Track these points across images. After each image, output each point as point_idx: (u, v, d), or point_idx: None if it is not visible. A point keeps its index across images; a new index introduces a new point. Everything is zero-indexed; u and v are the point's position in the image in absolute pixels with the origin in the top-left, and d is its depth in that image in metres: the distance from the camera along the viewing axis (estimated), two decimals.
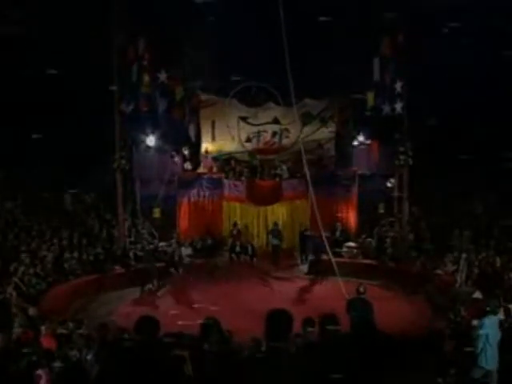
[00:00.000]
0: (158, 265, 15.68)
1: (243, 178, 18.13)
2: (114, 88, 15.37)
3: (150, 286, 14.70)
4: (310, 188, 14.27)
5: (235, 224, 17.45)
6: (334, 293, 13.53)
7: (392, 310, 12.29)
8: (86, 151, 16.19)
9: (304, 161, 13.78)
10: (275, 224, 17.48)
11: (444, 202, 17.39)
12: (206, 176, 17.94)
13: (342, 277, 13.17)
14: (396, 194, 16.88)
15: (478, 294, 10.76)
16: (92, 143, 15.90)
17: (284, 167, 18.29)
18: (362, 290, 9.26)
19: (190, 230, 17.62)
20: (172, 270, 15.58)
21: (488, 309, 7.25)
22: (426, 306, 12.67)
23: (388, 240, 16.42)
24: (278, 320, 3.51)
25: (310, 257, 15.93)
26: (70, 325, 9.04)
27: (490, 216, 16.44)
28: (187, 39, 16.10)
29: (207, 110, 18.01)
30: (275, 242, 17.11)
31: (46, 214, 16.88)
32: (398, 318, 11.13)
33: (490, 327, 7.09)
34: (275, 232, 17.23)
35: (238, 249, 16.63)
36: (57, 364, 6.14)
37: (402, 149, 16.22)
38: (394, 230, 16.79)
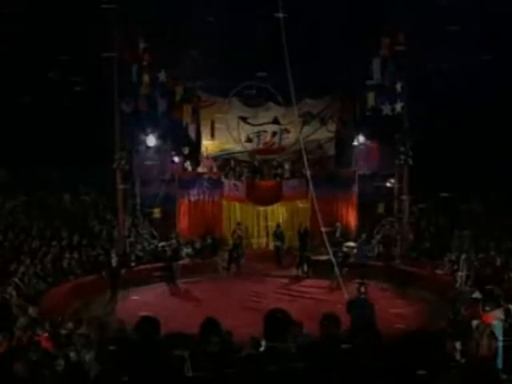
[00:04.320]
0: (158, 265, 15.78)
1: (243, 178, 18.13)
2: (114, 88, 15.39)
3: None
4: (311, 188, 14.26)
5: (239, 224, 17.46)
6: (333, 292, 13.57)
7: (392, 310, 12.29)
8: (86, 151, 16.21)
9: (305, 160, 13.78)
10: (278, 226, 17.52)
11: (444, 202, 17.39)
12: (206, 176, 17.93)
13: (341, 277, 13.19)
14: (396, 193, 16.89)
15: (477, 294, 10.75)
16: (92, 143, 15.91)
17: (286, 166, 18.29)
18: (362, 290, 9.27)
19: (190, 230, 17.61)
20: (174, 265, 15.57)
21: (486, 308, 7.25)
22: (426, 306, 12.68)
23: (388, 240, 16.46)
24: (276, 320, 3.51)
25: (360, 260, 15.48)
26: (70, 325, 9.04)
27: (490, 216, 16.44)
28: (187, 39, 16.09)
29: (207, 110, 17.99)
30: (278, 243, 17.16)
31: (46, 214, 16.88)
32: (398, 318, 11.12)
33: (497, 330, 7.10)
34: (278, 233, 17.28)
35: (240, 251, 16.63)
36: (57, 364, 6.14)
37: (402, 149, 16.23)
38: (394, 230, 16.80)
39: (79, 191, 18.78)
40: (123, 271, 14.31)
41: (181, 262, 16.24)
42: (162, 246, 16.71)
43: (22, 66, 16.01)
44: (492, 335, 7.07)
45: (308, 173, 13.92)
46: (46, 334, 8.35)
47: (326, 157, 18.45)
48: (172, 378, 3.69)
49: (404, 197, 16.38)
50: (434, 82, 15.47)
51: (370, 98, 16.74)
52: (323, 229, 13.28)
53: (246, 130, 18.33)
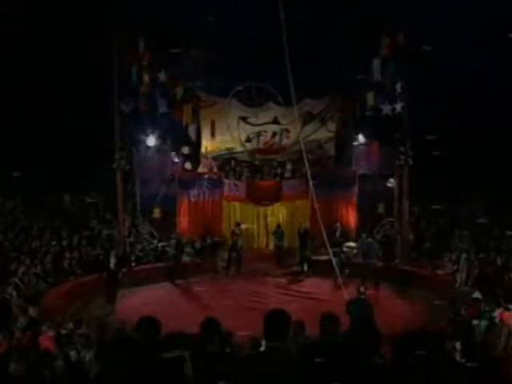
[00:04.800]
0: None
1: (243, 178, 18.14)
2: (113, 88, 15.41)
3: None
4: (311, 188, 14.25)
5: (238, 224, 17.44)
6: (333, 292, 13.57)
7: (392, 309, 12.30)
8: (86, 151, 16.20)
9: (305, 160, 13.77)
10: (278, 226, 17.53)
11: (444, 202, 17.38)
12: (206, 176, 17.93)
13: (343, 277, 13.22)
14: (396, 193, 16.89)
15: (477, 294, 10.76)
16: (92, 143, 15.90)
17: (287, 166, 18.31)
18: (362, 289, 9.26)
19: (190, 230, 17.61)
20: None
21: (486, 308, 7.26)
22: (426, 306, 12.67)
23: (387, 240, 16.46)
24: (276, 320, 3.51)
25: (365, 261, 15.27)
26: (70, 325, 9.05)
27: (490, 216, 16.43)
28: (187, 39, 16.10)
29: (207, 110, 17.99)
30: (278, 242, 17.19)
31: (46, 214, 16.88)
32: (398, 318, 11.13)
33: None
34: (279, 233, 17.31)
35: (239, 251, 16.60)
36: (57, 364, 6.14)
37: (402, 149, 16.23)
38: (394, 230, 16.81)
39: (79, 191, 18.77)
40: (121, 275, 14.08)
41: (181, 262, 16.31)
42: (162, 246, 16.74)
43: (21, 65, 15.99)
44: (510, 335, 7.02)
45: (308, 173, 13.93)
46: (48, 334, 8.36)
47: (326, 157, 18.46)
48: (172, 377, 3.69)
49: (404, 197, 16.39)
50: (434, 81, 15.46)
51: (370, 97, 16.74)
52: (323, 229, 13.29)
53: (246, 130, 18.33)
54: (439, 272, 14.44)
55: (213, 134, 18.16)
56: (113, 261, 13.69)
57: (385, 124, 16.55)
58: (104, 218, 17.70)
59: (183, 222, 17.67)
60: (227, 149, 18.52)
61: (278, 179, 18.22)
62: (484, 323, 7.68)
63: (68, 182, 17.50)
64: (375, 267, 14.82)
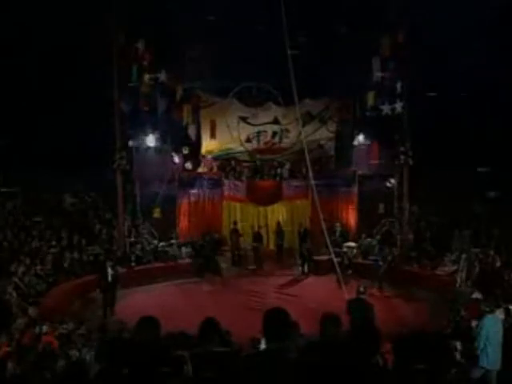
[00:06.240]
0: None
1: (243, 178, 18.15)
2: (113, 88, 15.42)
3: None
4: (314, 188, 14.23)
5: (235, 223, 17.49)
6: (334, 292, 13.57)
7: (392, 309, 12.30)
8: (85, 151, 16.19)
9: (308, 161, 13.78)
10: (278, 224, 17.58)
11: (444, 202, 17.38)
12: (206, 176, 17.96)
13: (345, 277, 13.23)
14: (396, 193, 16.89)
15: (477, 294, 10.76)
16: (92, 143, 15.89)
17: (286, 166, 18.33)
18: (362, 289, 9.25)
19: (190, 230, 17.62)
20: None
21: (487, 309, 7.25)
22: (426, 306, 12.68)
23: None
24: (276, 320, 3.50)
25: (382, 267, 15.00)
26: (70, 325, 9.05)
27: (490, 216, 16.43)
28: (187, 39, 16.10)
29: (207, 110, 17.99)
30: (280, 241, 17.23)
31: (46, 214, 16.87)
32: (398, 318, 11.14)
33: (490, 327, 7.08)
34: (280, 232, 17.35)
35: (240, 251, 16.66)
36: (58, 364, 6.14)
37: (402, 149, 16.23)
38: (394, 230, 16.82)
39: (79, 191, 18.77)
40: (119, 286, 13.74)
41: (181, 262, 16.34)
42: (163, 246, 16.76)
43: (21, 66, 15.99)
44: None
45: (310, 173, 13.94)
46: (49, 334, 8.36)
47: (326, 157, 18.48)
48: (172, 378, 3.69)
49: (404, 197, 16.39)
50: (434, 81, 15.45)
51: (370, 97, 16.75)
52: (324, 229, 13.29)
53: (246, 130, 18.33)
54: (439, 272, 14.45)
55: (213, 134, 18.16)
56: (110, 272, 13.33)
57: (385, 124, 16.54)
58: (104, 218, 17.70)
59: (183, 222, 17.69)
60: (227, 149, 18.53)
61: (278, 179, 18.23)
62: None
63: (68, 182, 17.50)
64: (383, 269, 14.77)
